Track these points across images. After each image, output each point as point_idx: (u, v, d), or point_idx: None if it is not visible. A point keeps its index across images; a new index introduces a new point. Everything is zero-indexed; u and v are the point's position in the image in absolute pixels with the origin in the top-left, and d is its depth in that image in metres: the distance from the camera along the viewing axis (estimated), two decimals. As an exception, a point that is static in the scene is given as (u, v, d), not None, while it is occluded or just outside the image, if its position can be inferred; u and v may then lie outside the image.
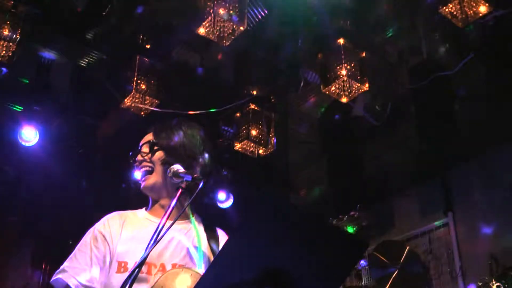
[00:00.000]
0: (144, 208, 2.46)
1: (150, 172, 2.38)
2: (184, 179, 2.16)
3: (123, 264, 2.21)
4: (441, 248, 6.03)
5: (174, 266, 2.23)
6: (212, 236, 2.43)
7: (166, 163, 2.34)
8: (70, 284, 2.18)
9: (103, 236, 2.28)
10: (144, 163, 2.39)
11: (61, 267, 2.25)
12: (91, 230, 2.33)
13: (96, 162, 5.64)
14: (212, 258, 2.34)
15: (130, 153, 2.45)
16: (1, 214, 6.16)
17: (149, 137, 2.45)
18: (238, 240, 1.75)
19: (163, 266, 2.21)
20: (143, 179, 2.39)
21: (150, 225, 2.32)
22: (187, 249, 2.31)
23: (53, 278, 2.24)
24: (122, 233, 2.29)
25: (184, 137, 2.41)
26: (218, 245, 2.41)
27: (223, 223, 2.58)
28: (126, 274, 2.13)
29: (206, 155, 2.43)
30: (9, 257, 6.78)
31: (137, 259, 2.16)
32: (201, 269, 2.27)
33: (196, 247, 2.34)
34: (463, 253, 5.82)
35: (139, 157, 2.41)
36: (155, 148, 2.39)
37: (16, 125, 4.90)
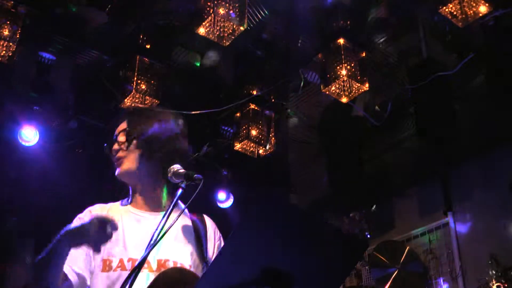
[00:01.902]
0: (126, 199, 2.42)
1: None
2: (184, 181, 2.14)
3: (108, 262, 2.19)
4: (441, 248, 6.03)
5: (159, 261, 2.21)
6: (198, 224, 2.41)
7: (142, 151, 2.33)
8: (64, 270, 2.14)
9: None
10: (120, 153, 2.35)
11: None
12: (74, 220, 2.30)
13: (96, 162, 5.63)
14: (197, 247, 2.32)
15: (105, 144, 2.42)
16: (1, 214, 6.15)
17: (124, 125, 2.41)
18: (238, 240, 1.75)
19: (148, 262, 2.19)
20: (117, 164, 2.37)
21: (130, 217, 2.31)
22: (171, 242, 2.28)
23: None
24: (104, 230, 2.22)
25: (159, 124, 2.38)
26: (206, 232, 2.39)
27: (223, 223, 2.57)
28: (111, 273, 2.16)
29: (183, 141, 2.41)
30: (9, 257, 6.78)
31: (121, 255, 2.18)
32: (186, 261, 2.26)
33: (179, 238, 2.31)
34: (463, 253, 5.82)
35: (115, 147, 2.37)
36: (132, 136, 2.35)
37: (16, 125, 4.90)
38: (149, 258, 2.16)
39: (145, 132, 2.35)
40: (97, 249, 2.15)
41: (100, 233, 2.13)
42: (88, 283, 2.20)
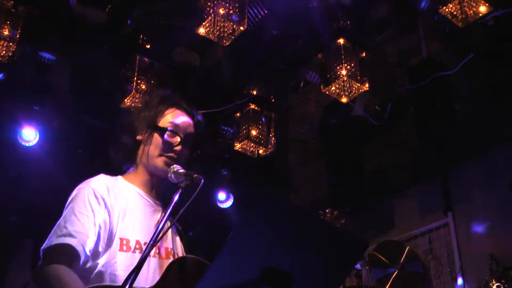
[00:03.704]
0: (125, 178, 2.35)
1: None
2: (184, 181, 2.13)
3: (125, 242, 2.13)
4: (441, 248, 6.03)
5: (166, 249, 2.25)
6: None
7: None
8: (81, 254, 2.02)
9: (104, 201, 2.15)
10: (181, 152, 2.32)
11: (66, 230, 2.03)
12: (86, 190, 2.18)
13: (96, 162, 5.63)
14: (182, 245, 2.39)
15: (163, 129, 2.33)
16: (1, 214, 6.16)
17: (192, 128, 2.39)
18: (238, 240, 1.75)
19: (158, 248, 2.22)
20: (172, 161, 2.29)
21: (143, 203, 2.29)
22: (171, 236, 2.33)
23: (59, 241, 2.01)
24: (120, 203, 2.19)
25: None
26: (179, 234, 2.42)
27: (223, 223, 2.60)
28: (130, 254, 2.11)
29: None
30: (9, 257, 6.78)
31: (137, 237, 2.14)
32: (180, 252, 2.34)
33: (174, 235, 2.37)
34: (463, 253, 5.82)
35: (180, 145, 2.32)
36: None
37: (16, 125, 4.90)
38: (158, 245, 2.23)
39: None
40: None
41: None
42: (100, 260, 2.09)
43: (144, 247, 2.14)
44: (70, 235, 2.03)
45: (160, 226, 1.95)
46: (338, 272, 1.98)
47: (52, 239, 2.04)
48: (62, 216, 2.13)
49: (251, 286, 1.77)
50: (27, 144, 4.94)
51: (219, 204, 6.05)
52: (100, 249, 2.09)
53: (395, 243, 6.17)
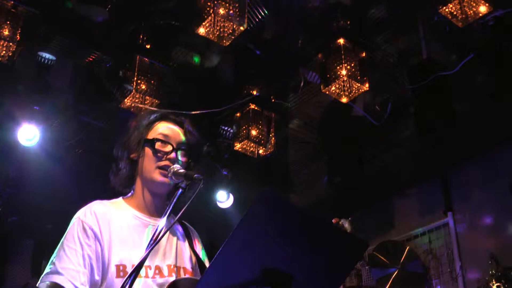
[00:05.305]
0: (126, 200, 2.33)
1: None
2: (184, 181, 2.10)
3: (121, 268, 2.11)
4: (441, 248, 6.03)
5: (169, 267, 2.20)
6: (186, 232, 2.39)
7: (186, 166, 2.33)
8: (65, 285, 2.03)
9: (93, 232, 2.15)
10: (177, 165, 2.25)
11: (53, 267, 2.09)
12: (75, 222, 2.18)
13: (96, 162, 5.63)
14: (192, 251, 2.32)
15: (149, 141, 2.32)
16: (1, 214, 6.15)
17: (181, 137, 2.34)
18: (237, 240, 1.75)
19: (158, 268, 2.17)
20: (165, 172, 2.24)
21: (140, 225, 2.25)
22: (175, 248, 2.27)
23: (47, 279, 2.06)
24: (112, 230, 2.17)
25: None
26: (192, 237, 2.38)
27: (223, 223, 2.58)
28: None
29: None
30: (9, 257, 6.78)
31: (134, 261, 2.09)
32: (188, 265, 2.26)
33: (181, 245, 2.31)
34: (463, 253, 5.83)
35: (172, 156, 2.27)
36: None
37: (16, 125, 4.90)
38: (159, 264, 2.17)
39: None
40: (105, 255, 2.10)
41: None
42: None
43: (142, 270, 2.11)
44: (57, 272, 2.07)
45: (159, 228, 1.94)
46: (338, 272, 1.98)
47: (43, 277, 2.09)
48: (55, 251, 2.16)
49: (251, 286, 1.77)
50: (27, 144, 4.94)
51: (219, 204, 6.05)
52: (97, 277, 2.10)
53: (395, 243, 6.18)
